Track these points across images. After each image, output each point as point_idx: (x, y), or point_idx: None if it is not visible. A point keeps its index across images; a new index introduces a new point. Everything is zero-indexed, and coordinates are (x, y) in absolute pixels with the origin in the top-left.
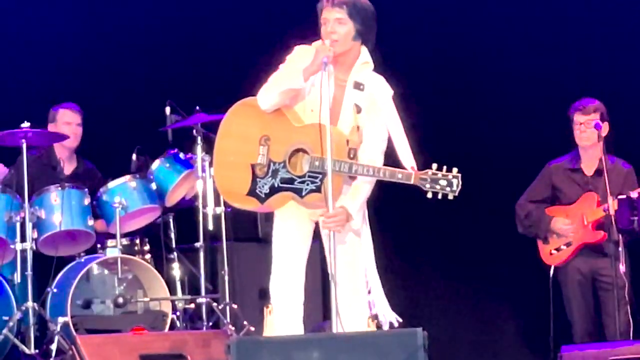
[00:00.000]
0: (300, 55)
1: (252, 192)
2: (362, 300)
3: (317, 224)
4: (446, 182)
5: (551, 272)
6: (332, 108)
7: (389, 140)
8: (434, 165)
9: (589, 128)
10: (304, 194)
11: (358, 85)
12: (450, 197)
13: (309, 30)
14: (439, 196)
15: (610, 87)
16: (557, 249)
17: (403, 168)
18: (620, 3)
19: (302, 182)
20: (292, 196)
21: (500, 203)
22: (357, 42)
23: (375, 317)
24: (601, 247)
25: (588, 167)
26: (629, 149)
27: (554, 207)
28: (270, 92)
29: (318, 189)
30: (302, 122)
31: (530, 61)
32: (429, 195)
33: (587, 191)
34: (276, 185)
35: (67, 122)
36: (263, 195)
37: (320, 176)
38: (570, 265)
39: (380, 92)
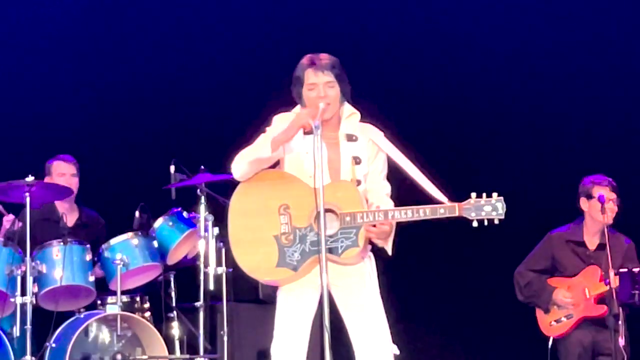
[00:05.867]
0: (278, 126)
1: (282, 263)
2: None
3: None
4: (491, 207)
5: (549, 343)
6: (331, 168)
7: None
8: (473, 194)
9: (616, 205)
10: (340, 251)
11: (350, 137)
12: (496, 221)
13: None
14: (485, 223)
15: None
16: (557, 321)
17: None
18: None
19: (336, 241)
20: (327, 257)
21: (497, 268)
22: (342, 100)
23: None
24: (602, 320)
25: (591, 241)
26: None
27: (555, 278)
28: (240, 162)
29: (354, 244)
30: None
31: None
32: (475, 224)
33: (589, 264)
34: (307, 250)
35: (61, 173)
36: (295, 263)
37: (355, 230)
38: (571, 337)
39: (373, 135)
